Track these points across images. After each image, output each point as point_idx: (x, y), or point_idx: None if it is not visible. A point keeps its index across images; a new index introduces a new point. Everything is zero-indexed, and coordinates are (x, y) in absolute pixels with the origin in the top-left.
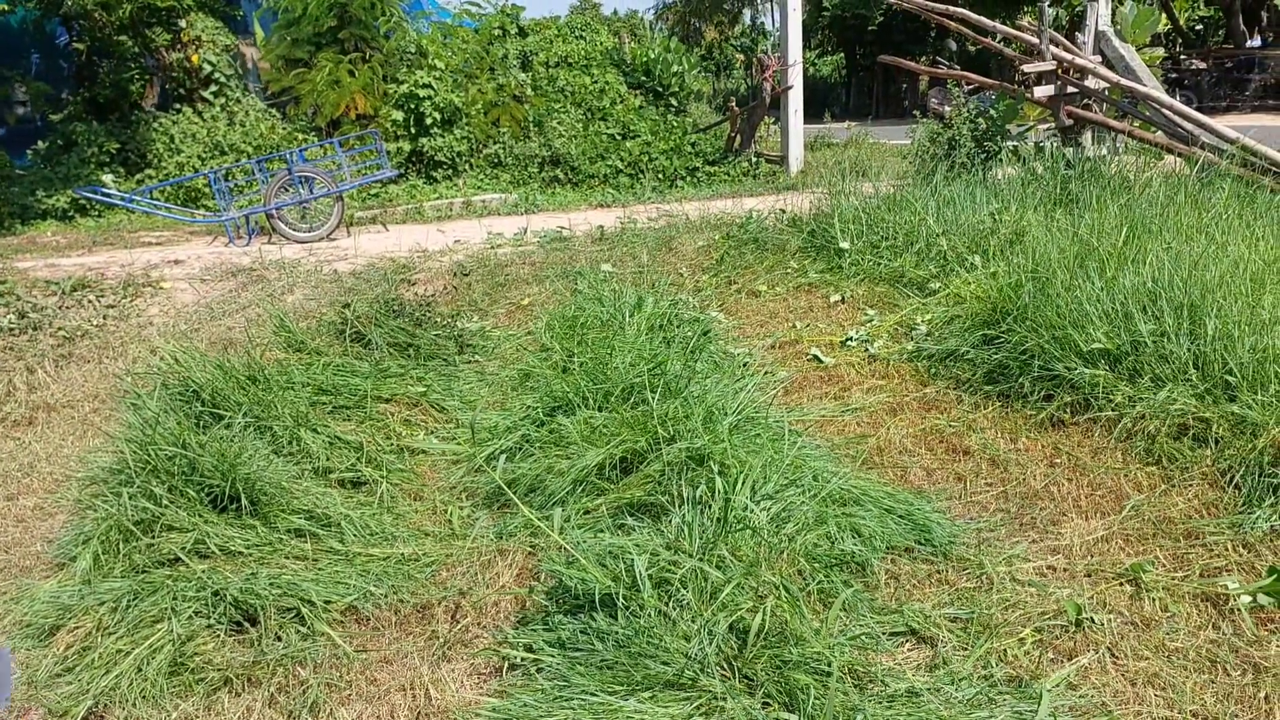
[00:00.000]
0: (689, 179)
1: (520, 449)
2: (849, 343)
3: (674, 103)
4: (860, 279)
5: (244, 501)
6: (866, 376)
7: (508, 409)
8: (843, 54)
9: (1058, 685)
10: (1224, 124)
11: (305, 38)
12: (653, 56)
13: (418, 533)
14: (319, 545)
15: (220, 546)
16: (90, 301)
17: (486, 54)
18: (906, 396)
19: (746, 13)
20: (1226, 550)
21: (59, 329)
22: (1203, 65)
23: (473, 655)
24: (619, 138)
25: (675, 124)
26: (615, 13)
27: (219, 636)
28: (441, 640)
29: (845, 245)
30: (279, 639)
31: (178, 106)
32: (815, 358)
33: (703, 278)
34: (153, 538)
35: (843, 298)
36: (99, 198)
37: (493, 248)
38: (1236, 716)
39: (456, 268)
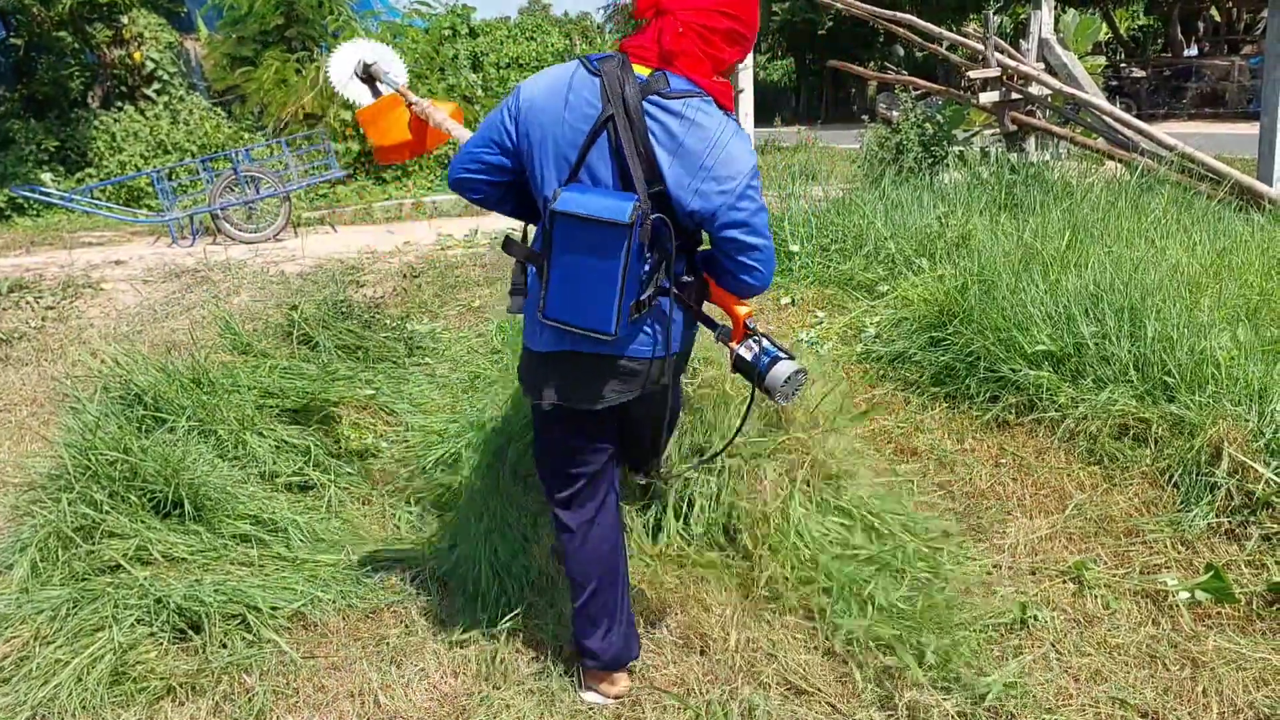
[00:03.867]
0: None
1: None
2: (799, 345)
3: None
4: (810, 282)
5: (188, 507)
6: (816, 378)
7: (458, 412)
8: (792, 59)
9: (1003, 683)
10: (1163, 131)
11: (251, 35)
12: None
13: (366, 537)
14: (265, 551)
15: (163, 553)
16: (28, 303)
17: (436, 54)
18: (855, 398)
19: None
20: (1165, 548)
21: None
22: (1142, 73)
23: (423, 661)
24: None
25: None
26: (566, 14)
27: (162, 645)
28: (391, 646)
29: (795, 248)
30: (224, 646)
31: (120, 104)
32: None
33: None
34: (93, 545)
35: (793, 300)
36: (37, 197)
37: (443, 249)
38: (1175, 710)
39: (406, 269)
